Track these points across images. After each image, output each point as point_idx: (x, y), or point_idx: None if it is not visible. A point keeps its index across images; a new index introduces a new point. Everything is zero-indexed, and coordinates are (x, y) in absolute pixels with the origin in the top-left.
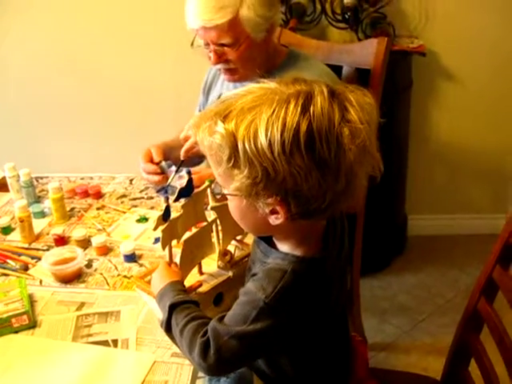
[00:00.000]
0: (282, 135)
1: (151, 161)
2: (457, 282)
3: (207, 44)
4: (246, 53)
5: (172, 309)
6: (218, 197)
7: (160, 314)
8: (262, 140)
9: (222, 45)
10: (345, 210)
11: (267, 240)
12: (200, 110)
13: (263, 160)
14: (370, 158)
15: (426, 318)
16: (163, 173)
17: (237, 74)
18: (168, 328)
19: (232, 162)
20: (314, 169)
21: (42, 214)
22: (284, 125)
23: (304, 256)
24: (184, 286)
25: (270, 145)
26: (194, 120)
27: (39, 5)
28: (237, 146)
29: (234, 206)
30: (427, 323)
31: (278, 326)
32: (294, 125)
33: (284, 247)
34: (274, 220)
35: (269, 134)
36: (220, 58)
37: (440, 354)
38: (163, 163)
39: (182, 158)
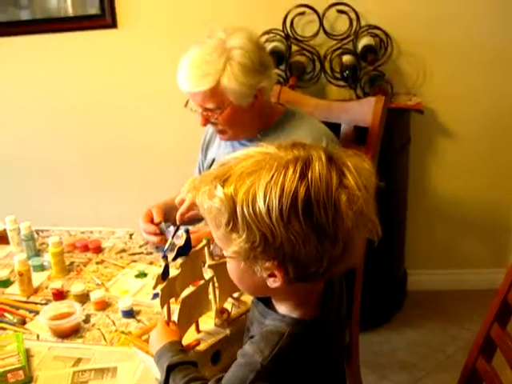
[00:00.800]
0: (280, 201)
1: (151, 221)
2: (457, 337)
3: (197, 108)
4: (232, 117)
5: (170, 370)
6: (217, 258)
7: (158, 374)
8: (261, 205)
9: (207, 109)
10: (343, 272)
11: (265, 300)
12: (199, 168)
13: (261, 225)
14: (368, 223)
15: (426, 375)
16: (162, 233)
17: (226, 134)
18: None
19: (230, 226)
20: (311, 234)
21: (41, 268)
22: (282, 190)
23: (302, 318)
24: (182, 346)
25: (268, 210)
26: (192, 183)
27: (40, 58)
28: (235, 210)
29: (232, 267)
30: (427, 380)
31: None
32: (292, 190)
33: (282, 308)
34: (272, 283)
35: (267, 199)
36: (207, 120)
37: None
38: (163, 224)
39: (178, 223)
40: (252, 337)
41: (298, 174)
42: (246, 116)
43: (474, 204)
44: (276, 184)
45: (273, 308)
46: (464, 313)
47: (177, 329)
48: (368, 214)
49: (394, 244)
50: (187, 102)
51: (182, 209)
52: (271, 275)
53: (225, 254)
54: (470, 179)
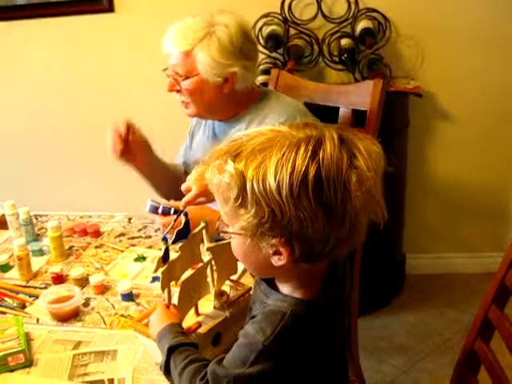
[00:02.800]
0: (290, 178)
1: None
2: (455, 321)
3: (169, 71)
4: (196, 89)
5: (170, 351)
6: (222, 234)
7: (158, 358)
8: (271, 181)
9: (176, 73)
10: (346, 253)
11: (268, 280)
12: (185, 151)
13: (270, 201)
14: (375, 205)
15: (425, 358)
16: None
17: (189, 108)
18: (167, 371)
19: (239, 201)
20: (320, 213)
21: (40, 252)
22: (293, 168)
23: (304, 298)
24: (182, 328)
25: (279, 187)
26: (197, 173)
27: (37, 43)
28: (245, 185)
29: (237, 244)
30: (426, 363)
31: (277, 368)
32: (303, 169)
33: (284, 288)
34: (277, 261)
35: (278, 176)
36: (173, 86)
37: None
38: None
39: (181, 208)
40: (253, 317)
41: (309, 153)
42: (212, 95)
43: (473, 188)
44: (287, 161)
45: (275, 288)
46: (462, 296)
47: (177, 312)
48: (375, 196)
49: (392, 228)
50: (166, 68)
51: (188, 197)
52: (276, 253)
53: (230, 230)
54: (469, 163)
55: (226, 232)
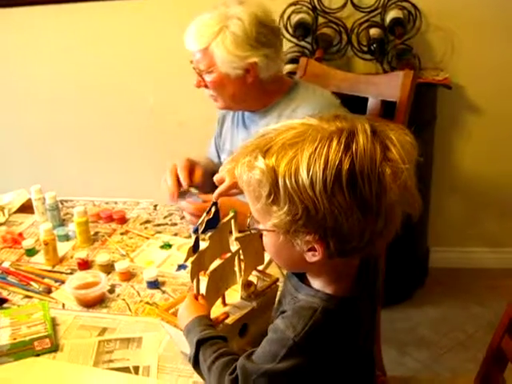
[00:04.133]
0: (324, 173)
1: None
2: (478, 316)
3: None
4: (219, 83)
5: (199, 344)
6: (254, 232)
7: (184, 348)
8: (304, 177)
9: (199, 69)
10: (381, 248)
11: (299, 274)
12: (215, 139)
13: (304, 197)
14: (410, 197)
15: (447, 352)
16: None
17: (218, 101)
18: (196, 363)
19: (271, 198)
20: (354, 208)
21: (66, 238)
22: (326, 162)
23: (335, 294)
24: (211, 320)
25: (312, 182)
26: (232, 156)
27: (61, 34)
28: (277, 182)
29: (269, 241)
30: (448, 357)
31: (307, 364)
32: (337, 163)
33: (316, 283)
34: (311, 257)
35: (311, 171)
36: (200, 82)
37: None
38: (192, 189)
39: (214, 200)
40: (284, 311)
41: (342, 146)
42: (235, 87)
43: (499, 182)
44: (320, 156)
45: (307, 282)
46: (485, 291)
47: (205, 303)
48: (410, 189)
49: (416, 221)
50: (192, 60)
51: (221, 188)
52: (311, 249)
53: (261, 227)
54: (496, 158)
55: (257, 229)
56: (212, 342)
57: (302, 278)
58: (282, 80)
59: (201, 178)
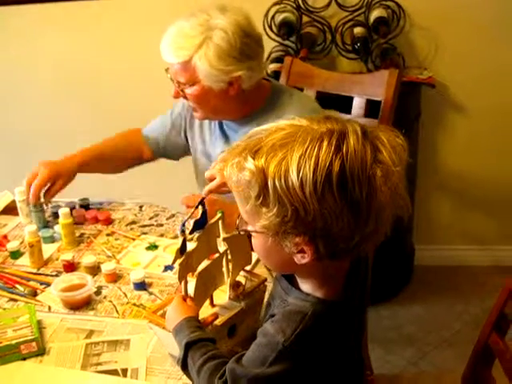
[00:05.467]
0: (314, 174)
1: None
2: (463, 313)
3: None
4: (200, 96)
5: (188, 347)
6: (243, 233)
7: (172, 350)
8: (294, 179)
9: (179, 82)
10: (371, 250)
11: (289, 277)
12: (163, 128)
13: (294, 199)
14: (400, 200)
15: (433, 350)
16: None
17: (197, 112)
18: (184, 366)
19: (260, 199)
20: (345, 209)
21: (51, 239)
22: (316, 164)
23: (325, 298)
24: (199, 322)
25: (302, 184)
26: (222, 155)
27: (49, 28)
28: (266, 183)
29: (259, 243)
30: (433, 355)
31: (297, 369)
32: (327, 164)
33: (305, 286)
34: (300, 259)
35: (301, 172)
36: (177, 93)
37: None
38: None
39: (203, 195)
40: (273, 316)
41: (333, 147)
42: (218, 100)
43: (484, 180)
44: (310, 157)
45: (296, 285)
46: (470, 289)
47: (193, 304)
48: (400, 191)
49: (401, 218)
50: (167, 68)
51: (211, 185)
52: (300, 251)
53: (250, 228)
54: (480, 155)
55: (246, 230)
56: (201, 345)
57: (292, 280)
58: (260, 86)
59: (59, 191)
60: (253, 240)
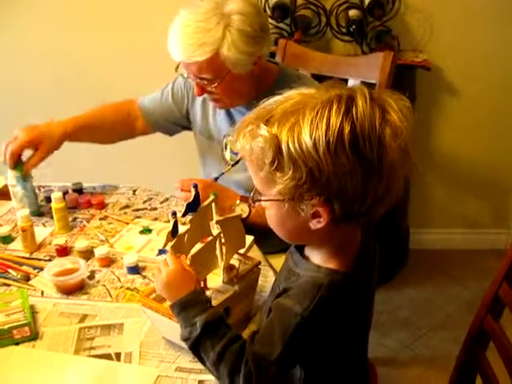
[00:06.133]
0: (326, 135)
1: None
2: (457, 296)
3: (190, 76)
4: (229, 86)
5: (207, 327)
6: (258, 204)
7: (166, 333)
8: (307, 140)
9: (203, 78)
10: (382, 213)
11: (300, 251)
12: (162, 104)
13: (308, 160)
14: (409, 160)
15: (427, 333)
16: None
17: (221, 102)
18: (196, 345)
19: (275, 164)
20: (358, 168)
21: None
22: (328, 125)
23: (338, 269)
24: (205, 295)
25: (315, 144)
26: (233, 129)
27: (47, 16)
28: (280, 148)
29: (273, 212)
30: (428, 338)
31: (316, 339)
32: (339, 125)
33: (317, 258)
34: (316, 224)
35: (313, 134)
36: (202, 90)
37: (441, 369)
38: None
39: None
40: (285, 290)
41: (343, 109)
42: (244, 83)
43: (478, 164)
44: (321, 119)
45: (306, 258)
46: (465, 272)
47: (193, 271)
48: (409, 149)
49: (397, 202)
50: (177, 66)
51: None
52: (315, 216)
53: (265, 198)
54: (475, 139)
55: (261, 200)
56: (218, 325)
57: (301, 254)
58: (269, 68)
59: (42, 159)
60: (267, 211)
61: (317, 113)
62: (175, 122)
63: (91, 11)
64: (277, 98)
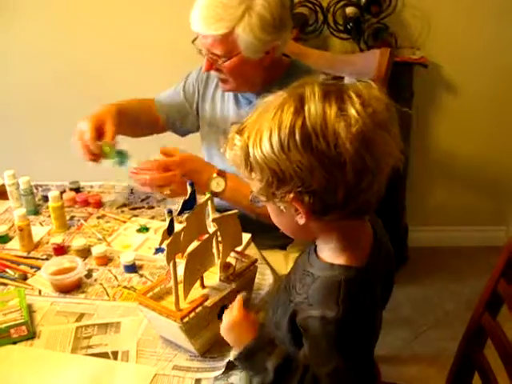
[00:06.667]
0: (279, 134)
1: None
2: (456, 294)
3: (203, 50)
4: (237, 67)
5: (278, 371)
6: (261, 204)
7: (163, 332)
8: (265, 143)
9: (214, 54)
10: (373, 204)
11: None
12: (185, 94)
13: (269, 161)
14: (380, 148)
15: (427, 331)
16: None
17: (228, 84)
18: None
19: (248, 169)
20: (315, 164)
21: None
22: (280, 125)
23: (349, 265)
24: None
25: (271, 145)
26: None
27: (41, 15)
28: (248, 153)
29: (270, 211)
30: (427, 335)
31: (359, 331)
32: (289, 124)
33: (327, 254)
34: (299, 219)
35: (270, 136)
36: (211, 65)
37: (441, 366)
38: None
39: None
40: (305, 299)
41: (293, 109)
42: (252, 70)
43: (476, 160)
44: (275, 121)
45: (319, 257)
46: (464, 269)
47: (256, 319)
48: (377, 139)
49: (395, 200)
50: (195, 38)
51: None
52: (297, 211)
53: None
54: (473, 136)
55: (256, 200)
56: (288, 362)
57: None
58: (280, 60)
59: (115, 133)
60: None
61: (273, 116)
62: (187, 119)
63: (91, 11)
64: (258, 102)
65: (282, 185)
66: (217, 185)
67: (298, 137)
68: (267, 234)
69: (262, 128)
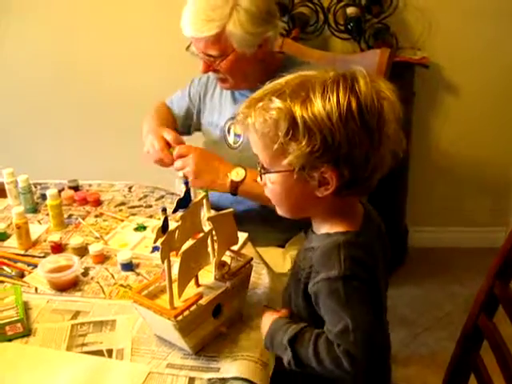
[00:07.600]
0: (338, 107)
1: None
2: (455, 295)
3: (199, 54)
4: (234, 65)
5: (292, 343)
6: (268, 175)
7: (158, 330)
8: (321, 111)
9: (210, 55)
10: (376, 183)
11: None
12: (191, 98)
13: (323, 128)
14: (398, 135)
15: (425, 331)
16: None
17: (227, 82)
18: (298, 362)
19: (290, 135)
20: (364, 134)
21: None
22: (338, 99)
23: (347, 229)
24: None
25: (328, 114)
26: (239, 112)
27: (39, 16)
28: (294, 118)
29: (280, 185)
30: (425, 336)
31: (364, 289)
32: (347, 99)
33: (324, 229)
34: (323, 191)
35: (326, 106)
36: (208, 67)
37: (439, 367)
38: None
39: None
40: (310, 270)
41: (348, 86)
42: (249, 65)
43: (477, 161)
44: (332, 94)
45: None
46: (463, 271)
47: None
48: (400, 124)
49: (395, 200)
50: (189, 45)
51: None
52: (323, 183)
53: (273, 170)
54: (474, 136)
55: (270, 172)
56: (301, 334)
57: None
58: (275, 55)
59: (178, 135)
60: (271, 186)
61: (326, 90)
62: (192, 120)
63: (91, 11)
64: (280, 80)
65: (327, 152)
66: (237, 174)
67: (355, 110)
68: (268, 233)
69: (312, 97)
